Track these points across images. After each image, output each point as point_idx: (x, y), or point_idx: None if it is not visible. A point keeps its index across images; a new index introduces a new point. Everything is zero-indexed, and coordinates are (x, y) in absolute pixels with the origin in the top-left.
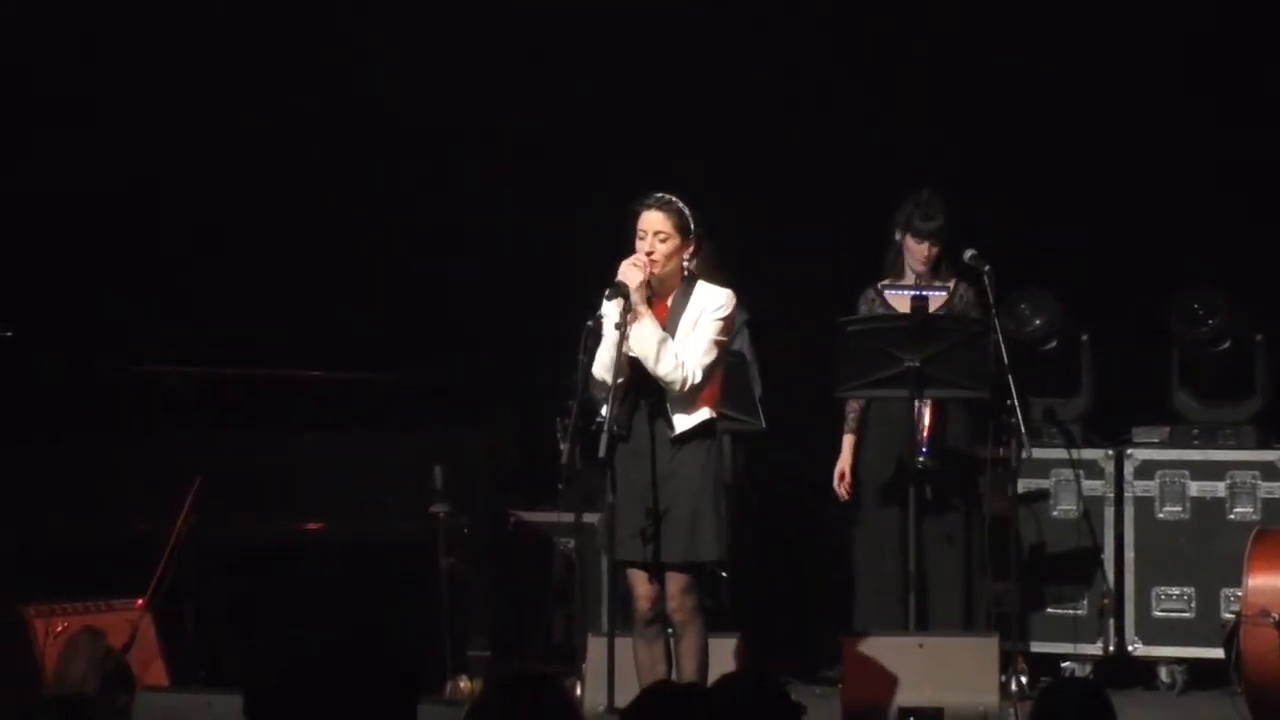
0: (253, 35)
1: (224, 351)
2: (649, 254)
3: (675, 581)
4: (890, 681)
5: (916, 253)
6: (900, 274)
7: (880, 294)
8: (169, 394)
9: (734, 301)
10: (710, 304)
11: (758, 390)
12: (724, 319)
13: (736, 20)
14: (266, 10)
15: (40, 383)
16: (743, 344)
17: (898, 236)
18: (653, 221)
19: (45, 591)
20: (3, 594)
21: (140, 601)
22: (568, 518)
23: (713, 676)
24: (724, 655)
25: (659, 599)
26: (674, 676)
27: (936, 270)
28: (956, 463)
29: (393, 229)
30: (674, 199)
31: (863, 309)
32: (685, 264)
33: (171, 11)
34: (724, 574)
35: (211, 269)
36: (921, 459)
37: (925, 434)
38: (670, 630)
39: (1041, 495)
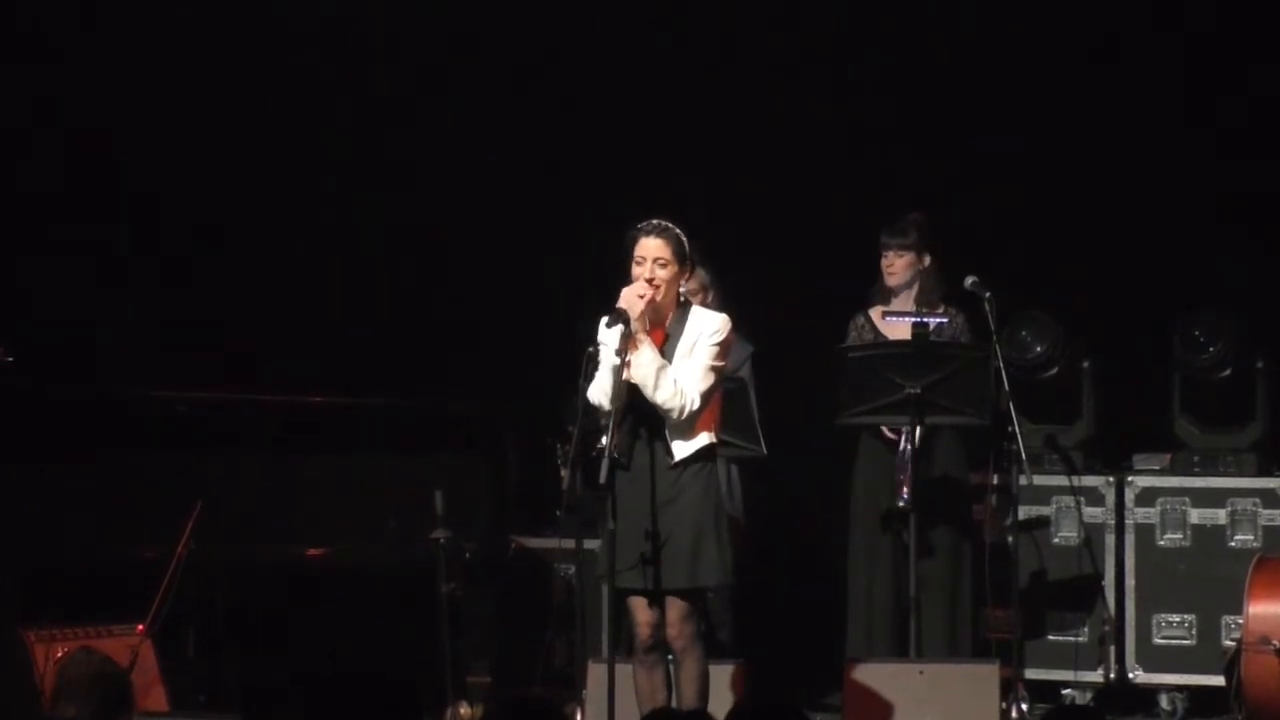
0: (248, 47)
1: (226, 375)
2: (650, 281)
3: (675, 608)
4: (891, 709)
5: (885, 266)
6: (885, 298)
7: (869, 319)
8: (170, 418)
9: (729, 326)
10: (706, 329)
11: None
12: (720, 343)
13: (738, 48)
14: (267, 21)
15: (41, 407)
16: (745, 374)
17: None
18: (652, 248)
19: (47, 616)
20: (4, 619)
21: (141, 626)
22: (568, 544)
23: (713, 704)
24: (725, 682)
25: (660, 625)
26: (674, 703)
27: (921, 294)
28: (947, 490)
29: (395, 253)
30: (671, 225)
31: (852, 335)
32: (681, 290)
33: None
34: (710, 593)
35: (214, 291)
36: (903, 503)
37: (907, 478)
38: (670, 657)
39: (1042, 522)
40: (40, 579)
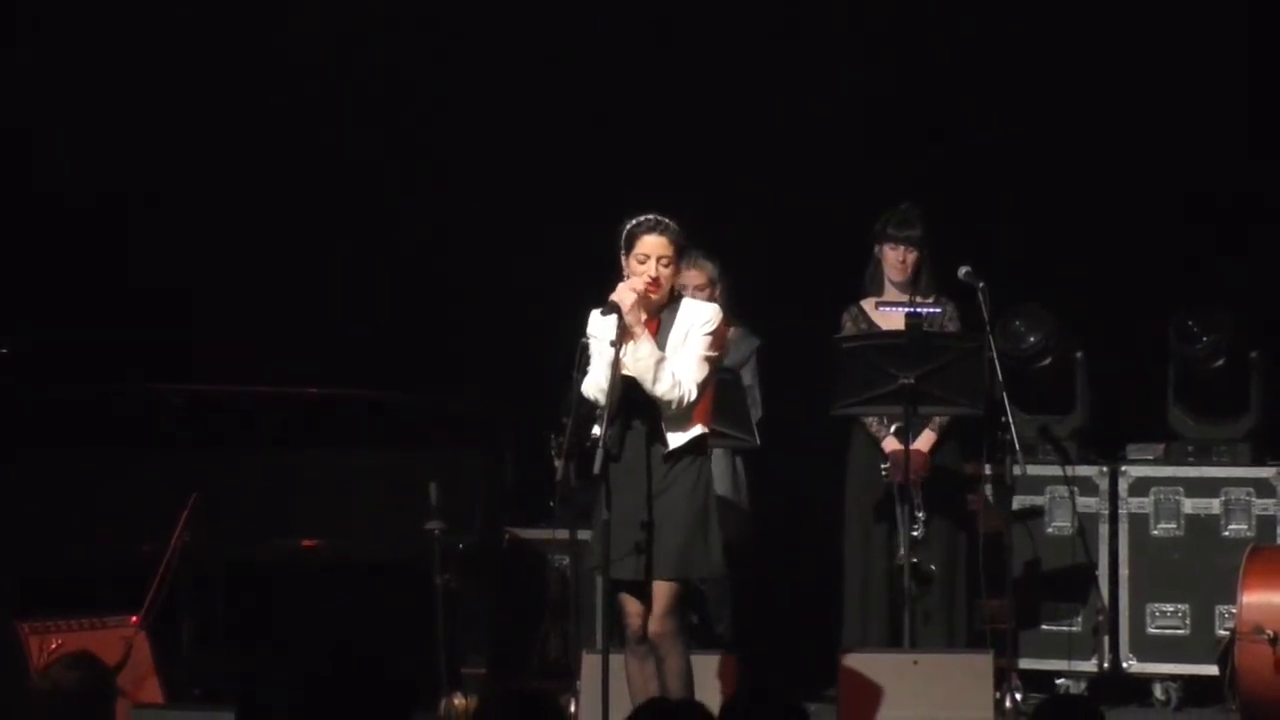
0: (246, 46)
1: (222, 369)
2: (654, 279)
3: (659, 601)
4: (886, 699)
5: (891, 259)
6: (880, 289)
7: (862, 310)
8: (166, 411)
9: (720, 316)
10: (698, 319)
11: (757, 414)
12: (712, 333)
13: (736, 42)
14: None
15: (37, 400)
16: (749, 370)
17: (876, 250)
18: (658, 246)
19: (41, 608)
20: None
21: (135, 619)
22: (562, 535)
23: (702, 696)
24: (712, 673)
25: (649, 616)
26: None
27: (917, 286)
28: (942, 481)
29: (389, 247)
30: (670, 221)
31: (847, 325)
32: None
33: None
34: (703, 587)
35: (210, 286)
36: (916, 562)
37: (907, 517)
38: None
39: (1036, 512)
40: (36, 572)
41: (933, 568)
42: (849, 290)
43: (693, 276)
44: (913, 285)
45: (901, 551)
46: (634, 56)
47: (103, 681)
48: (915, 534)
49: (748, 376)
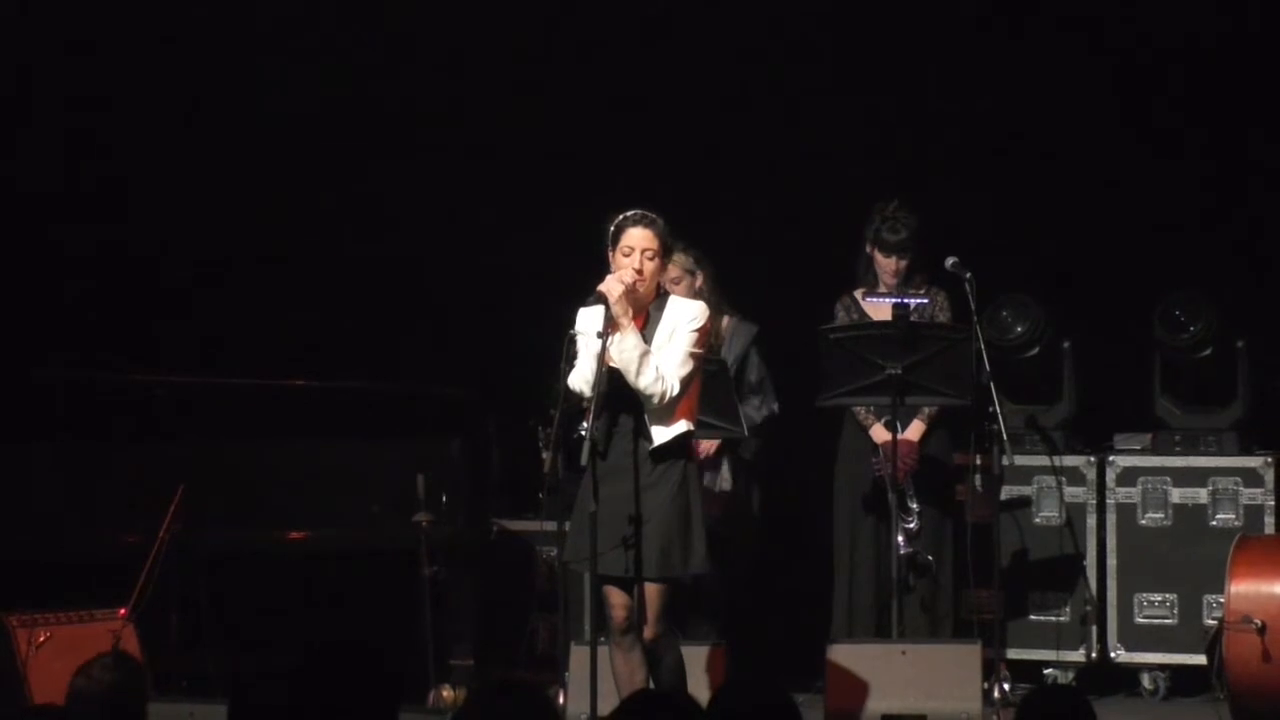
0: (234, 42)
1: (209, 360)
2: (639, 271)
3: (650, 607)
4: (873, 689)
5: (885, 266)
6: (874, 283)
7: (855, 300)
8: (153, 402)
9: (707, 313)
10: (684, 315)
11: (773, 406)
12: (698, 330)
13: (726, 32)
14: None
15: (22, 391)
16: (754, 365)
17: (868, 249)
18: (642, 239)
19: (29, 600)
20: None
21: (123, 611)
22: (550, 526)
23: (691, 686)
24: (702, 664)
25: (633, 608)
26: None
27: (910, 282)
28: (929, 471)
29: (376, 237)
30: (656, 215)
31: (840, 315)
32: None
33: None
34: (691, 582)
35: (198, 278)
36: (914, 553)
37: (901, 527)
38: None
39: (1024, 502)
40: (23, 563)
41: (930, 558)
42: (844, 282)
43: (669, 269)
44: (905, 282)
45: (900, 540)
46: (632, 50)
47: (138, 682)
48: (910, 526)
49: (754, 372)
